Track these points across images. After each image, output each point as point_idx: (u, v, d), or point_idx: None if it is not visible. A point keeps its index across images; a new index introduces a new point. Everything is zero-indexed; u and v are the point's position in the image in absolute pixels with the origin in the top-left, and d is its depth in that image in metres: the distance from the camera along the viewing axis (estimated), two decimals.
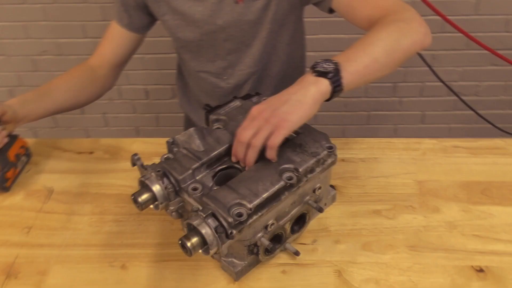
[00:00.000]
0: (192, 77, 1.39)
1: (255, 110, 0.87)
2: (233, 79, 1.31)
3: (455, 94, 2.12)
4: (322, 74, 0.87)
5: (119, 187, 1.13)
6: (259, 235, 0.88)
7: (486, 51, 2.02)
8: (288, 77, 1.35)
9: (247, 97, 1.08)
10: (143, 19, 1.27)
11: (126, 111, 2.52)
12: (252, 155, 0.86)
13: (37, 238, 1.03)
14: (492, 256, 0.95)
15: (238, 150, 0.88)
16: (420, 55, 1.93)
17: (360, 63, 0.90)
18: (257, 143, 0.84)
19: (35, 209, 1.09)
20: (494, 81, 2.34)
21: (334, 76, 0.86)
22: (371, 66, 0.91)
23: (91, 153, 1.24)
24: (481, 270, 0.92)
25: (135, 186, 1.11)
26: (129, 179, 1.15)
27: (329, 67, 0.87)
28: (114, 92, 2.43)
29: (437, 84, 2.14)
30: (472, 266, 0.93)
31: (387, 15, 1.00)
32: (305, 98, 0.85)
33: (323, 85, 0.86)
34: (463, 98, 2.15)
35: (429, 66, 2.00)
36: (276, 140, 0.84)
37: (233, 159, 0.91)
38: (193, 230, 0.81)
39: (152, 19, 1.29)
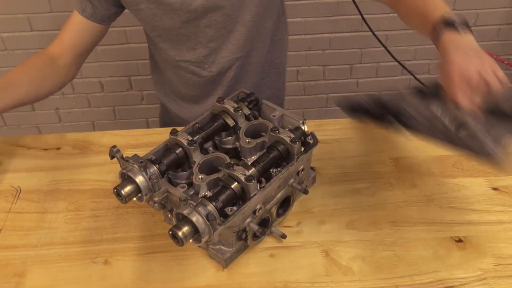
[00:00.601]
0: (170, 67, 1.32)
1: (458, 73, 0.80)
2: (215, 67, 1.26)
3: (410, 72, 2.18)
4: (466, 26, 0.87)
5: (92, 182, 1.09)
6: (248, 220, 0.87)
7: None
8: (271, 63, 1.33)
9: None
10: (108, 9, 1.19)
11: (80, 105, 2.43)
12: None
13: (10, 240, 0.98)
14: (468, 226, 0.98)
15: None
16: (375, 35, 1.97)
17: None
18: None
19: (4, 209, 1.04)
20: None
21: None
22: None
23: (58, 149, 1.19)
24: (460, 240, 0.96)
25: (109, 180, 1.09)
26: (102, 173, 1.11)
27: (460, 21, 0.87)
28: (66, 86, 2.34)
29: (392, 64, 2.19)
30: (451, 237, 0.96)
31: None
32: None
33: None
34: (417, 76, 2.21)
35: (384, 46, 2.04)
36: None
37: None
38: (183, 220, 0.79)
39: (119, 9, 1.21)
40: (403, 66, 2.14)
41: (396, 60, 2.13)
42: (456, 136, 0.83)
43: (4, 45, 2.22)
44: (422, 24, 0.95)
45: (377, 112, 0.96)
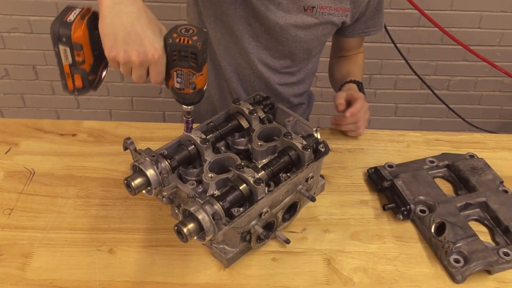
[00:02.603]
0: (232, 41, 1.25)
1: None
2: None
3: (428, 87, 2.17)
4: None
5: (104, 171, 1.11)
6: (253, 222, 0.88)
7: (459, 46, 2.07)
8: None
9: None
10: None
11: (99, 93, 2.46)
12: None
13: (20, 220, 1.00)
14: None
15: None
16: (396, 47, 1.97)
17: None
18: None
19: (17, 190, 1.06)
20: (465, 76, 2.39)
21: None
22: None
23: (74, 135, 1.21)
24: None
25: (121, 170, 1.11)
26: (114, 163, 1.13)
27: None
28: None
29: (411, 77, 2.18)
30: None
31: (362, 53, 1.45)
32: None
33: None
34: (435, 91, 2.20)
35: (404, 58, 2.04)
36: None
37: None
38: (189, 216, 0.80)
39: None
40: (423, 81, 2.13)
41: (416, 74, 2.12)
42: None
43: (30, 28, 2.25)
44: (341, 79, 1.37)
45: None
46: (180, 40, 0.78)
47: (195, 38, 0.78)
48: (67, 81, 0.83)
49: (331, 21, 1.21)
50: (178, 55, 0.79)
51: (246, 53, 1.23)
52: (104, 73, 0.87)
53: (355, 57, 1.42)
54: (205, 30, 0.81)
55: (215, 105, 1.38)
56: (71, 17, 0.78)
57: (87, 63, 0.81)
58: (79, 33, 0.78)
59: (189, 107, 0.88)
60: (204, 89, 0.86)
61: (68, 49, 0.79)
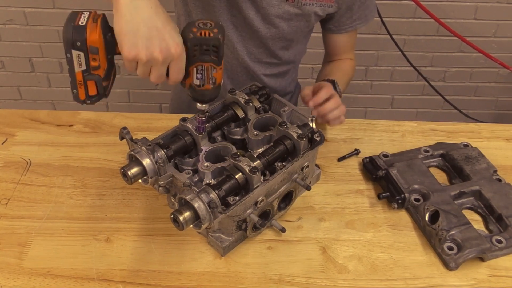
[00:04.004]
0: None
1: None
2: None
3: (424, 79, 2.17)
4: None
5: (101, 161, 1.11)
6: (249, 211, 0.89)
7: (455, 38, 2.07)
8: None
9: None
10: None
11: None
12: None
13: (17, 210, 1.00)
14: None
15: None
16: (393, 39, 1.97)
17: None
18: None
19: (13, 180, 1.07)
20: (460, 67, 2.40)
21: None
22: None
23: (70, 126, 1.21)
24: None
25: (117, 160, 1.11)
26: (110, 153, 1.13)
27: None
28: None
29: (407, 68, 2.18)
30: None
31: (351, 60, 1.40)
32: None
33: None
34: (431, 83, 2.21)
35: (401, 50, 2.04)
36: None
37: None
38: (185, 205, 0.81)
39: None
40: (419, 72, 2.13)
41: (412, 66, 2.12)
42: None
43: (26, 20, 2.24)
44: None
45: None
46: (201, 33, 0.77)
47: (215, 31, 0.77)
48: (79, 90, 0.80)
49: (314, 12, 1.20)
50: (199, 49, 0.78)
51: (231, 44, 1.23)
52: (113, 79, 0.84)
53: (341, 62, 1.38)
54: (221, 23, 0.80)
55: None
56: (82, 20, 0.75)
57: (102, 68, 0.78)
58: (94, 36, 0.75)
59: (205, 105, 0.86)
60: (221, 84, 0.84)
61: (82, 54, 0.76)
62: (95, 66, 0.78)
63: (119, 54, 0.77)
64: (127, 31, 0.74)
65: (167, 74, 0.79)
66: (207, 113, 0.90)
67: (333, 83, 1.19)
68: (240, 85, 1.26)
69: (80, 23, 0.75)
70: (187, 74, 0.80)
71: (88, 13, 0.77)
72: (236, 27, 1.21)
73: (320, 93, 1.08)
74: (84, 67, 0.77)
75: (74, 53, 0.76)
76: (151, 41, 0.74)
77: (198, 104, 0.86)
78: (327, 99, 1.08)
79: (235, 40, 1.23)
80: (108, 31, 0.77)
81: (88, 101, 0.82)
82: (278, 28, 1.21)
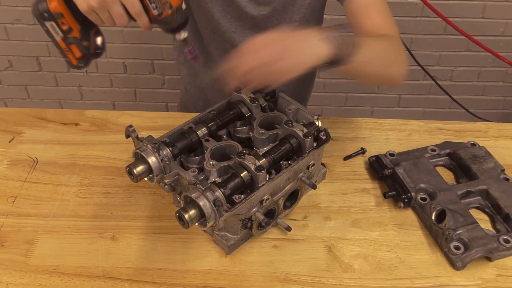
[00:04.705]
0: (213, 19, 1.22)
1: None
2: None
3: (432, 78, 2.17)
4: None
5: (107, 159, 1.12)
6: (254, 209, 0.89)
7: (462, 37, 2.06)
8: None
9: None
10: None
11: (102, 84, 2.47)
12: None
13: (23, 208, 1.01)
14: None
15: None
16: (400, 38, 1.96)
17: (365, 61, 0.93)
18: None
19: (20, 178, 1.07)
20: (468, 66, 2.39)
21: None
22: (367, 70, 0.98)
23: (77, 124, 1.22)
24: None
25: (123, 159, 1.12)
26: (117, 151, 1.14)
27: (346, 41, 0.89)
28: (91, 65, 2.37)
29: (414, 67, 2.17)
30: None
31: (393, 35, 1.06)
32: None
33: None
34: (439, 82, 2.20)
35: (408, 49, 2.03)
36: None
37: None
38: (191, 203, 0.81)
39: None
40: (426, 71, 2.12)
41: (419, 65, 2.11)
42: None
43: (33, 19, 2.25)
44: None
45: None
46: None
47: None
48: (69, 56, 0.87)
49: None
50: None
51: (230, 36, 1.22)
52: (98, 40, 0.90)
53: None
54: None
55: (206, 93, 1.37)
56: None
57: (75, 30, 0.85)
58: (54, 3, 0.82)
59: (181, 34, 0.87)
60: (183, 7, 0.85)
61: (53, 23, 0.84)
62: (67, 29, 0.85)
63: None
64: None
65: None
66: (191, 46, 0.91)
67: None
68: None
69: None
70: (145, 8, 0.83)
71: None
72: (234, 17, 1.19)
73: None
74: (61, 34, 0.85)
75: (48, 24, 0.84)
76: None
77: (176, 35, 0.87)
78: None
79: (233, 30, 1.21)
80: None
81: (81, 64, 0.89)
82: (271, 4, 1.17)
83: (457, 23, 2.02)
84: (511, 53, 2.24)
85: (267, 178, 0.88)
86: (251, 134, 1.00)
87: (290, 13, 1.20)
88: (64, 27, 0.84)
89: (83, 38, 0.86)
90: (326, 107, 2.45)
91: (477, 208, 1.03)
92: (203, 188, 0.80)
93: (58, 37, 0.85)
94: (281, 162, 0.92)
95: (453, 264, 0.92)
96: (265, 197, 0.88)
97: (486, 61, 2.34)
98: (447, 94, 2.20)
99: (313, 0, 1.19)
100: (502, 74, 2.41)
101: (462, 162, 1.09)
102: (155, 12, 0.83)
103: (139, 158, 0.88)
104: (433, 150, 1.13)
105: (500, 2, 2.15)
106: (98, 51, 0.90)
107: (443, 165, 1.13)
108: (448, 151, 1.13)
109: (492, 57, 2.19)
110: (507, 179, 1.05)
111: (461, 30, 2.03)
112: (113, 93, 2.50)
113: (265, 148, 0.96)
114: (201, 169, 0.93)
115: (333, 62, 0.88)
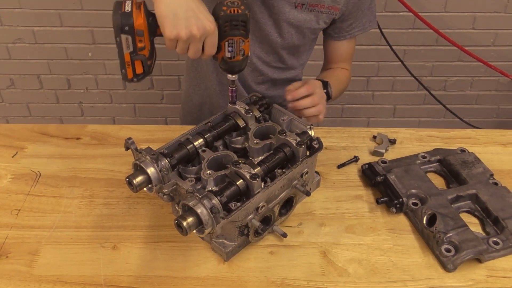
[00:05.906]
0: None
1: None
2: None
3: (425, 88, 2.21)
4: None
5: (107, 172, 1.15)
6: (250, 216, 0.92)
7: (454, 47, 2.11)
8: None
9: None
10: None
11: (102, 100, 2.50)
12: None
13: (27, 220, 1.04)
14: None
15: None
16: (392, 50, 2.01)
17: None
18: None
19: (24, 192, 1.10)
20: (461, 76, 2.43)
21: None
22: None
23: (78, 138, 1.25)
24: None
25: (123, 171, 1.15)
26: (117, 164, 1.17)
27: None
28: (91, 81, 2.43)
29: (408, 78, 2.22)
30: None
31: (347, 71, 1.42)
32: None
33: None
34: (432, 92, 2.24)
35: (401, 60, 2.07)
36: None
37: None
38: (188, 211, 0.84)
39: None
40: (419, 82, 2.17)
41: (413, 75, 2.15)
42: None
43: (35, 39, 2.30)
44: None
45: None
46: (230, 11, 0.88)
47: (243, 7, 0.89)
48: (127, 70, 0.91)
49: (321, 19, 1.24)
50: (229, 25, 0.89)
51: None
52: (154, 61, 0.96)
53: (338, 70, 1.41)
54: (245, 0, 0.90)
55: (213, 98, 1.41)
56: (127, 8, 0.86)
57: (147, 49, 0.89)
58: (140, 20, 0.86)
59: (235, 75, 0.97)
60: (249, 55, 0.95)
61: (130, 37, 0.87)
62: (141, 47, 0.89)
63: (160, 35, 0.89)
64: (167, 14, 0.86)
65: (202, 50, 0.90)
66: (235, 87, 1.02)
67: (325, 84, 1.23)
68: (248, 89, 1.34)
69: (125, 10, 0.86)
70: (219, 48, 0.91)
71: (130, 1, 0.87)
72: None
73: (300, 89, 1.11)
74: (131, 49, 0.89)
75: (123, 36, 0.87)
76: (189, 20, 0.86)
77: (229, 75, 0.97)
78: (306, 96, 1.11)
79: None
80: (150, 15, 0.87)
81: (135, 79, 0.93)
82: (288, 34, 1.24)
83: (449, 34, 2.07)
84: (502, 63, 2.29)
85: (262, 186, 0.91)
86: (246, 144, 1.03)
87: (299, 40, 1.30)
88: (140, 44, 0.88)
89: (149, 57, 0.91)
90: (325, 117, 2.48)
91: (467, 212, 1.06)
92: (200, 196, 0.84)
93: (128, 50, 0.88)
94: (275, 170, 0.95)
95: (444, 266, 0.95)
96: (261, 204, 0.91)
97: (478, 70, 2.38)
98: (441, 103, 2.24)
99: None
100: (494, 83, 2.45)
101: (452, 168, 1.13)
102: (228, 55, 0.92)
103: (139, 169, 0.91)
104: (424, 157, 1.16)
105: (490, 13, 2.20)
106: (151, 70, 0.95)
107: (434, 171, 1.16)
108: (438, 157, 1.16)
109: (484, 67, 2.23)
110: (495, 184, 1.09)
111: (453, 41, 2.08)
112: (113, 108, 2.54)
113: (260, 157, 0.99)
114: (198, 179, 0.96)
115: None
